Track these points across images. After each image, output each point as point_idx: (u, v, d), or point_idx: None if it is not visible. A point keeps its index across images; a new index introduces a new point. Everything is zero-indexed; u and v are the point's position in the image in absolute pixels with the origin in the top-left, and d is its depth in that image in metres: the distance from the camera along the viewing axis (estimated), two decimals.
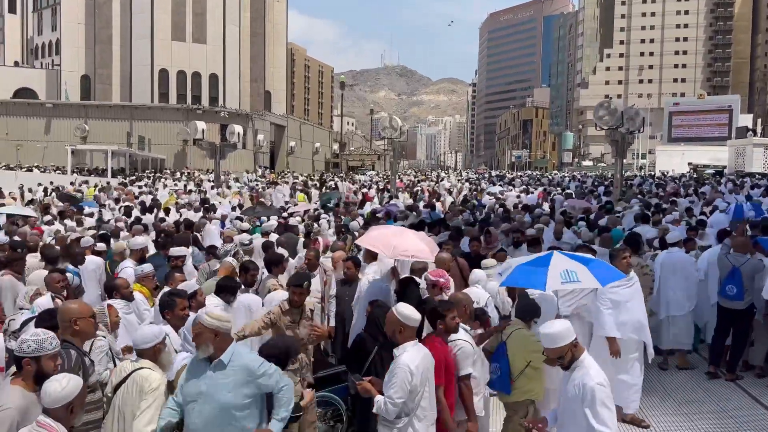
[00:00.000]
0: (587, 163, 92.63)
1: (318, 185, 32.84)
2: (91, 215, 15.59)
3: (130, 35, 63.48)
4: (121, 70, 64.14)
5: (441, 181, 38.32)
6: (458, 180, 40.92)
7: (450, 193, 27.88)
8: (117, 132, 55.04)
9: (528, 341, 4.86)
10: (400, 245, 6.28)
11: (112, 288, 5.79)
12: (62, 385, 3.04)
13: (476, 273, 6.60)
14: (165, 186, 30.17)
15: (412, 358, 4.03)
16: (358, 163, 70.05)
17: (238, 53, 68.14)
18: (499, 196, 23.77)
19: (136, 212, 16.50)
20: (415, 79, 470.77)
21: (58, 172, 40.48)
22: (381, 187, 30.81)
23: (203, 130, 43.07)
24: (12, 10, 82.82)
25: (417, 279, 6.32)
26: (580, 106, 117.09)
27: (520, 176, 47.15)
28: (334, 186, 31.38)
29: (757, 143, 49.94)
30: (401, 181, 36.61)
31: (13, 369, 3.51)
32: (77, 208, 17.39)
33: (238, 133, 42.87)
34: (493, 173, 60.70)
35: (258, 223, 13.16)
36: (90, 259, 8.49)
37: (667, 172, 46.55)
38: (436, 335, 4.53)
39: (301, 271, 7.09)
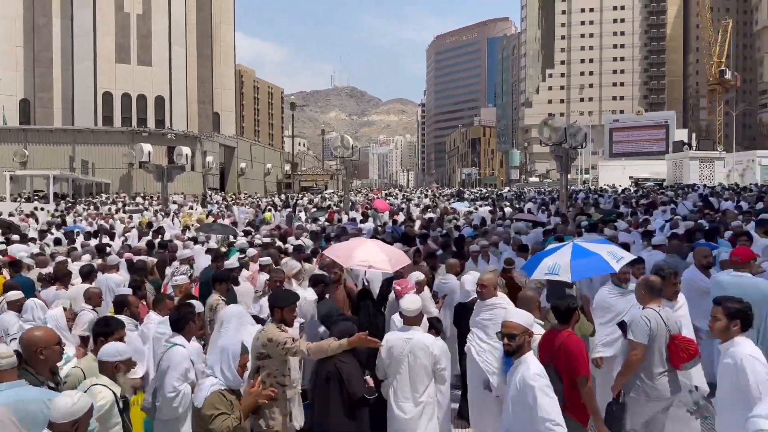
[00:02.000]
0: (534, 179, 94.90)
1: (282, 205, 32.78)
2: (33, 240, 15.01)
3: (72, 58, 61.92)
4: (62, 94, 62.37)
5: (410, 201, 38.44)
6: (419, 198, 41.31)
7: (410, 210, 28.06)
8: (59, 156, 53.46)
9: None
10: (358, 255, 6.54)
11: (123, 304, 5.85)
12: (73, 401, 3.04)
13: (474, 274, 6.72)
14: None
15: (387, 335, 5.08)
16: (311, 183, 69.79)
17: (185, 75, 67.30)
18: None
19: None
20: (365, 100, 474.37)
21: None
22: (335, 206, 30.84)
23: (149, 152, 42.06)
24: None
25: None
26: (525, 125, 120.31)
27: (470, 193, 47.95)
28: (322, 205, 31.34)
29: (693, 156, 52.43)
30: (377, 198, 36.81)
31: None
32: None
33: (187, 155, 42.10)
34: (448, 190, 61.37)
35: (230, 243, 12.97)
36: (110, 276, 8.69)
37: (613, 186, 48.10)
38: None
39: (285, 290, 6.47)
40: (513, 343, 3.77)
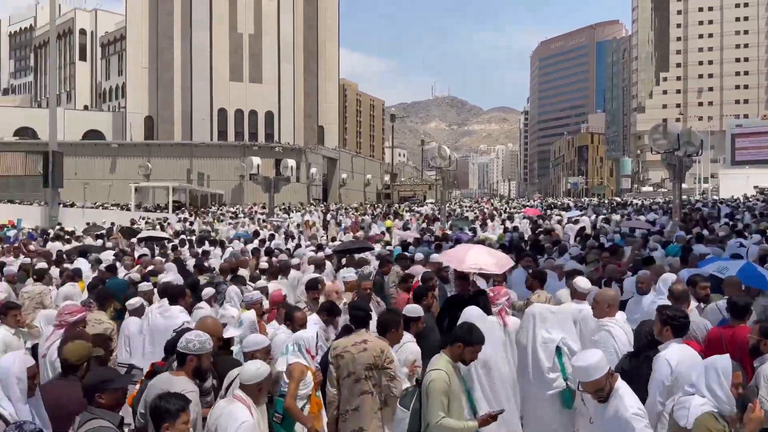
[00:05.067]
0: (647, 188, 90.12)
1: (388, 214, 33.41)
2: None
3: (191, 77, 66.45)
4: (182, 111, 67.02)
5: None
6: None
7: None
8: (178, 169, 57.03)
9: None
10: (469, 259, 7.20)
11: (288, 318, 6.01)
12: (257, 366, 3.85)
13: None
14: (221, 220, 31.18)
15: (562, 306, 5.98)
16: (410, 193, 70.20)
17: (293, 91, 70.15)
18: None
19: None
20: (465, 109, 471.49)
21: (123, 209, 42.27)
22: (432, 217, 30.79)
23: (258, 165, 44.15)
24: (83, 57, 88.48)
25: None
26: (637, 131, 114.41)
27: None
28: (462, 214, 31.67)
29: None
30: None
31: None
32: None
33: (292, 167, 43.83)
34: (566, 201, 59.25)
35: None
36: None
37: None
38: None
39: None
40: (602, 394, 3.62)
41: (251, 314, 6.12)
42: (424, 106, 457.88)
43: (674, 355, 4.21)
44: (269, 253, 12.93)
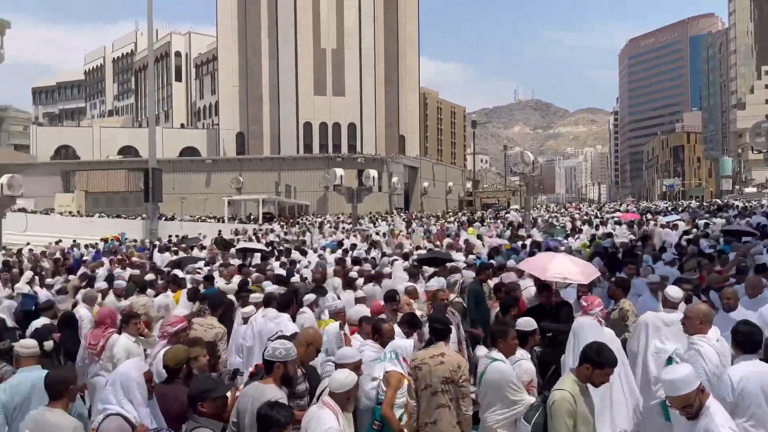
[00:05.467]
0: (750, 189, 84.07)
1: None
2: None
3: (278, 93, 68.96)
4: (270, 126, 69.61)
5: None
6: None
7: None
8: (267, 182, 58.92)
9: None
10: (553, 268, 7.09)
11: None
12: (345, 376, 4.00)
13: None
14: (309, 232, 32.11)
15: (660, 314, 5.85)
16: (492, 200, 69.21)
17: (374, 102, 71.13)
18: None
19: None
20: (550, 112, 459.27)
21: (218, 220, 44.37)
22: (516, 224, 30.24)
23: (341, 176, 45.15)
24: (178, 78, 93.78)
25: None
26: (737, 129, 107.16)
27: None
28: (553, 221, 31.36)
29: None
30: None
31: None
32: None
33: (374, 177, 44.34)
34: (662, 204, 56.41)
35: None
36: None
37: None
38: None
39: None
40: (691, 411, 3.49)
41: (336, 325, 6.35)
42: (506, 110, 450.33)
43: (739, 371, 4.13)
44: (356, 262, 13.21)
